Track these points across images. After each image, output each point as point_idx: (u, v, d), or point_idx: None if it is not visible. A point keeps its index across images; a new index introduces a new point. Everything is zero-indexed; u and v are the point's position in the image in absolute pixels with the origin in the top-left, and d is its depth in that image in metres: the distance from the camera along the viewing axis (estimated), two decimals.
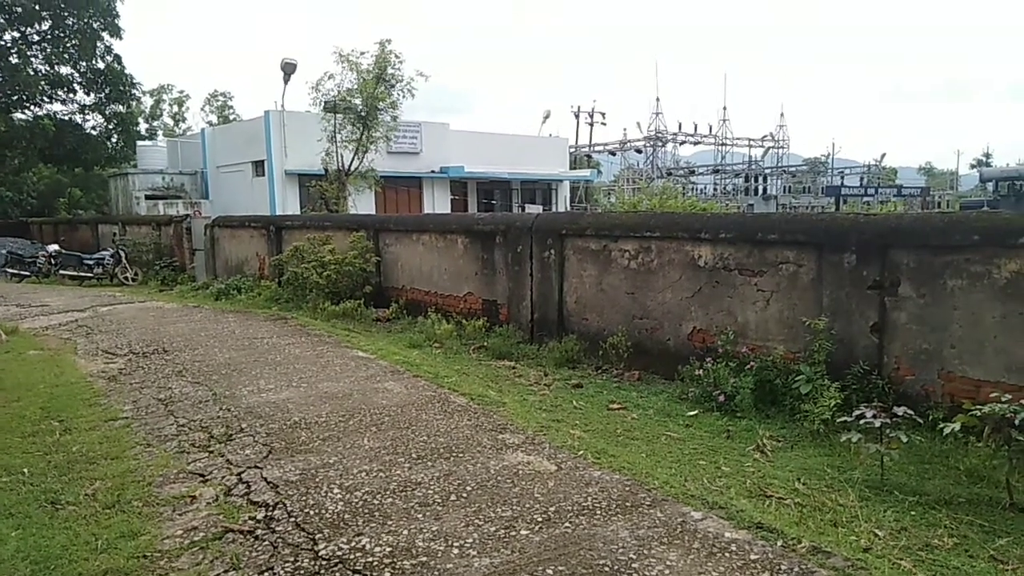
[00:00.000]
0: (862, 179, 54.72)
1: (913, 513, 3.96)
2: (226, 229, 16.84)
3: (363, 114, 19.53)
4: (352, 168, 20.30)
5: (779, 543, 3.38)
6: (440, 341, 8.85)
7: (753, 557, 3.25)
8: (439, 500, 3.97)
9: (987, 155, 71.13)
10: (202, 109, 52.10)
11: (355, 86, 19.33)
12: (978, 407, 4.18)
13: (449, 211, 29.54)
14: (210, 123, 46.70)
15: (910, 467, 4.56)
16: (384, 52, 19.09)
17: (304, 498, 4.04)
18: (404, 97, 19.89)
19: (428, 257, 10.83)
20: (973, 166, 66.58)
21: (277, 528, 3.69)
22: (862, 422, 4.42)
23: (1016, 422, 3.97)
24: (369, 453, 4.76)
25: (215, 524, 3.78)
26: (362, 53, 19.11)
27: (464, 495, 4.04)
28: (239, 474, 4.48)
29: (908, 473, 4.50)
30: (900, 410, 4.42)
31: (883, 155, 61.72)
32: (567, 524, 3.64)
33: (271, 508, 3.94)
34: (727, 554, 3.29)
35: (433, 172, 30.76)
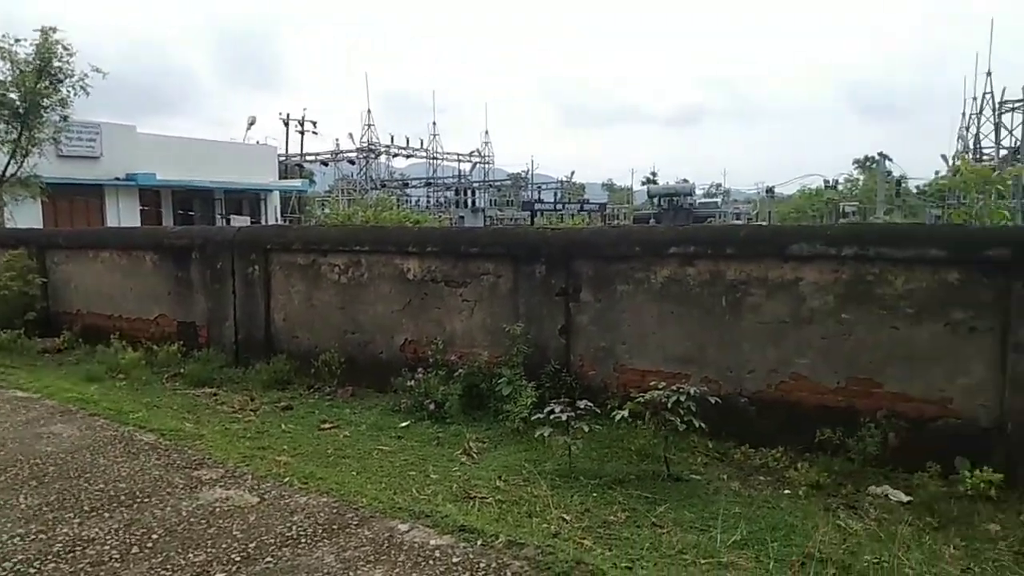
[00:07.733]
0: (556, 194, 60.82)
1: (595, 495, 4.44)
2: None
3: (21, 111, 16.62)
4: (8, 174, 17.15)
5: (479, 542, 3.56)
6: (126, 372, 7.82)
7: (455, 560, 3.38)
8: (116, 556, 3.49)
9: (654, 173, 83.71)
10: None
11: (9, 78, 16.39)
12: (642, 394, 4.84)
13: (139, 224, 26.40)
14: None
15: (593, 453, 5.12)
16: (48, 42, 16.40)
17: None
18: (76, 94, 17.33)
19: (110, 277, 9.55)
20: (644, 183, 77.77)
21: None
22: (552, 417, 4.86)
23: (668, 405, 4.67)
24: (26, 513, 4.02)
25: None
26: (17, 40, 16.28)
27: (149, 545, 3.60)
28: None
29: (591, 459, 5.03)
30: (582, 403, 4.94)
31: (572, 172, 69.37)
32: (268, 559, 3.44)
33: None
34: (431, 562, 3.37)
35: (118, 180, 27.32)
